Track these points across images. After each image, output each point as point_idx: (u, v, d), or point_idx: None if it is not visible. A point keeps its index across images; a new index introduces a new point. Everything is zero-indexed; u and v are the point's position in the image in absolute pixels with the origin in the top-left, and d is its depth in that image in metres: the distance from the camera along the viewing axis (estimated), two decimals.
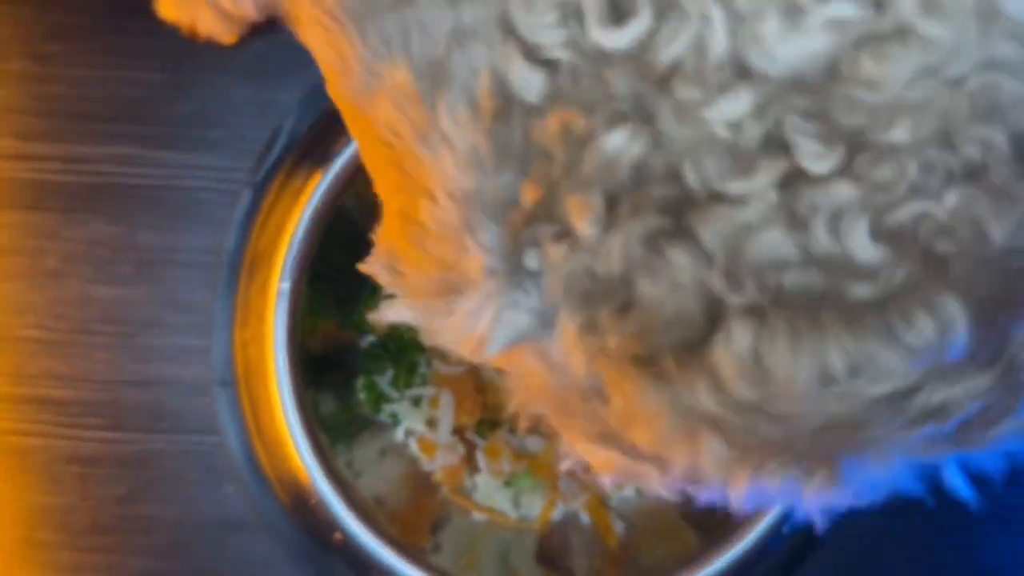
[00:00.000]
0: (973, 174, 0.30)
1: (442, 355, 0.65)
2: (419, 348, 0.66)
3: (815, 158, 0.30)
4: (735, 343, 0.31)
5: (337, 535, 0.60)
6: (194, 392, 0.62)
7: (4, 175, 0.63)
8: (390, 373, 0.66)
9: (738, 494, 0.34)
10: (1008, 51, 0.30)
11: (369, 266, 0.38)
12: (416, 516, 0.64)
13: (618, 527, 0.66)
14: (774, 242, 0.31)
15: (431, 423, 0.66)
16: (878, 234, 0.30)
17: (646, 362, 0.32)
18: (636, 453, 0.35)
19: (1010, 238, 0.30)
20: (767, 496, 0.35)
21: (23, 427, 0.62)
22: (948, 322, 0.30)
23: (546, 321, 0.34)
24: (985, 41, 0.30)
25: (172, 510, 0.62)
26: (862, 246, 0.30)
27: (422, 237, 0.35)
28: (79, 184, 0.63)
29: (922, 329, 0.30)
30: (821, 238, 0.30)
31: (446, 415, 0.66)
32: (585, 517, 0.66)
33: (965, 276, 0.31)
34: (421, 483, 0.66)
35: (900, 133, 0.30)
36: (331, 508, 0.60)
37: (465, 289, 0.34)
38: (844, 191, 0.30)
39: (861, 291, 0.31)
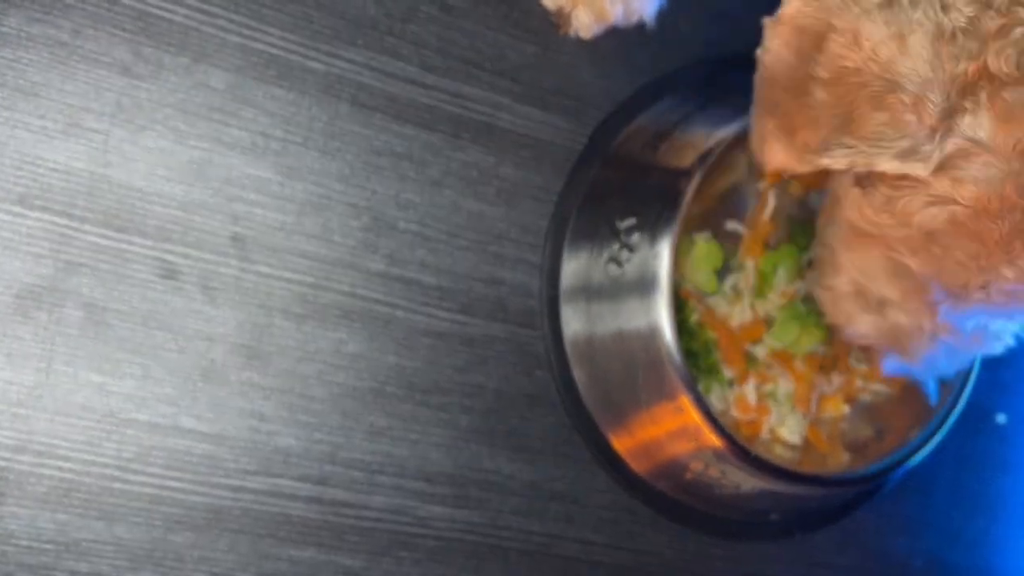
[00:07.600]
0: None
1: None
2: None
3: None
4: None
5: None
6: (525, 295, 0.79)
7: (405, 95, 0.76)
8: None
9: None
10: None
11: None
12: None
13: None
14: None
15: None
16: None
17: None
18: None
19: None
20: None
21: (390, 300, 0.76)
22: None
23: None
24: None
25: (494, 382, 0.78)
26: None
27: None
28: (463, 116, 0.78)
29: None
30: None
31: None
32: None
33: None
34: None
35: None
36: None
37: None
38: None
39: None
